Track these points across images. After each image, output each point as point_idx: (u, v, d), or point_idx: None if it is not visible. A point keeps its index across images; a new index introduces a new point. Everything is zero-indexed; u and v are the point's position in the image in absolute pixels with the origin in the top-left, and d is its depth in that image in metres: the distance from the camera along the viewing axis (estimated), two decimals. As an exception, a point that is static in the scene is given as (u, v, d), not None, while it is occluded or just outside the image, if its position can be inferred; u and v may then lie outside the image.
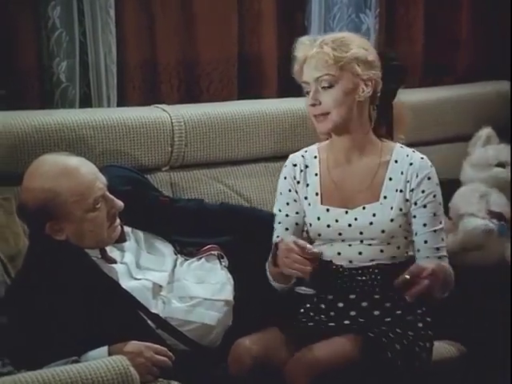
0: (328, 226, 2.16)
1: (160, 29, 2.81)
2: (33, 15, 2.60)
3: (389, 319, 2.12)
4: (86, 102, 2.73)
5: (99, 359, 1.75)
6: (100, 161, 2.43)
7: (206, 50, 2.88)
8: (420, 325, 2.15)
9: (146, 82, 2.83)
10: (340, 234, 2.15)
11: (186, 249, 2.33)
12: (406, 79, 2.24)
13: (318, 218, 2.17)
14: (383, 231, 2.12)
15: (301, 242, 2.02)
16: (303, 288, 2.03)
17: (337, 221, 2.15)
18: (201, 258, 2.31)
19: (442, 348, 2.38)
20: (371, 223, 2.13)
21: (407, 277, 1.96)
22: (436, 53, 3.32)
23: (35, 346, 1.96)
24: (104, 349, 1.96)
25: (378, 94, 2.16)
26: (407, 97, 3.00)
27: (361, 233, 2.14)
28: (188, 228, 2.35)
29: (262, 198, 2.67)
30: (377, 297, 2.13)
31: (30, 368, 1.82)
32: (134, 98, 2.80)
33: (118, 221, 2.13)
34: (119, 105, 2.77)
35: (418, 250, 2.15)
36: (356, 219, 2.14)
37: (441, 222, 2.15)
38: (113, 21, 2.70)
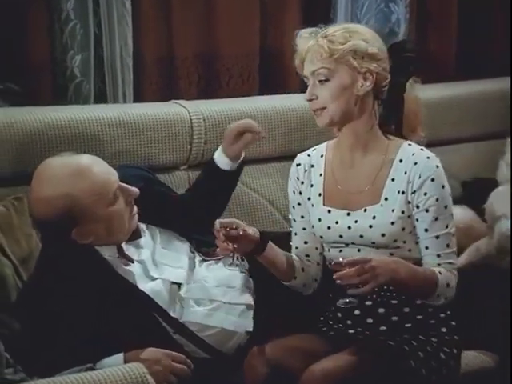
0: (328, 227, 2.14)
1: (178, 21, 2.80)
2: (45, 7, 2.60)
3: (409, 325, 2.10)
4: (100, 98, 2.73)
5: (115, 366, 1.73)
6: (116, 159, 2.42)
7: (226, 44, 2.88)
8: (444, 329, 2.12)
9: (163, 77, 2.83)
10: (341, 237, 2.12)
11: (203, 248, 2.31)
12: (415, 72, 2.17)
13: (319, 220, 2.15)
14: (383, 235, 2.09)
15: (225, 221, 2.05)
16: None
17: (337, 222, 2.12)
18: (219, 260, 2.28)
19: (477, 358, 2.35)
20: (370, 226, 2.09)
21: (340, 259, 1.96)
22: (470, 44, 3.29)
23: (48, 352, 1.95)
24: (120, 356, 1.95)
25: (385, 88, 2.11)
26: (438, 91, 2.98)
27: (361, 236, 2.10)
28: (203, 226, 2.32)
29: (285, 198, 2.63)
30: (394, 302, 2.10)
31: (43, 375, 1.81)
32: (150, 93, 2.80)
33: (135, 208, 2.13)
34: (135, 100, 2.76)
35: (422, 255, 2.12)
36: (356, 221, 2.11)
37: (447, 226, 2.10)
38: (129, 13, 2.70)
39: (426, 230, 2.09)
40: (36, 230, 2.23)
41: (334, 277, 1.97)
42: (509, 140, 2.85)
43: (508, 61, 3.23)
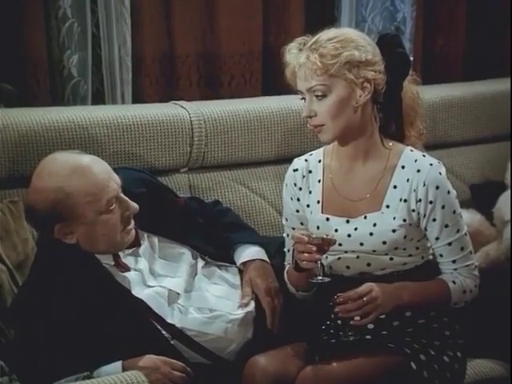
0: (327, 236, 2.13)
1: (178, 19, 2.81)
2: (42, 4, 2.60)
3: (410, 329, 2.12)
4: (98, 99, 2.74)
5: (113, 375, 1.76)
6: (114, 161, 2.43)
7: (227, 42, 2.89)
8: (447, 333, 2.14)
9: (163, 77, 2.84)
10: (340, 245, 2.13)
11: (206, 252, 2.32)
12: (409, 68, 2.17)
13: (318, 228, 2.16)
14: (384, 242, 2.11)
15: (300, 233, 2.06)
16: (319, 278, 2.06)
17: (336, 231, 2.13)
18: (222, 267, 2.31)
19: (486, 367, 2.38)
20: (371, 234, 2.11)
21: (338, 295, 2.03)
22: (480, 43, 3.29)
23: (44, 360, 1.96)
24: (118, 363, 1.96)
25: (383, 90, 2.12)
26: (445, 92, 2.99)
27: (361, 244, 2.12)
28: (206, 233, 2.35)
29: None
30: None
31: (39, 384, 1.83)
32: (150, 94, 2.81)
33: (132, 224, 2.13)
34: (134, 101, 2.78)
35: (438, 262, 2.16)
36: (356, 229, 2.13)
37: (458, 231, 2.13)
38: (128, 11, 2.71)
39: (438, 239, 2.12)
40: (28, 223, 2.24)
41: (335, 310, 2.03)
42: None
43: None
